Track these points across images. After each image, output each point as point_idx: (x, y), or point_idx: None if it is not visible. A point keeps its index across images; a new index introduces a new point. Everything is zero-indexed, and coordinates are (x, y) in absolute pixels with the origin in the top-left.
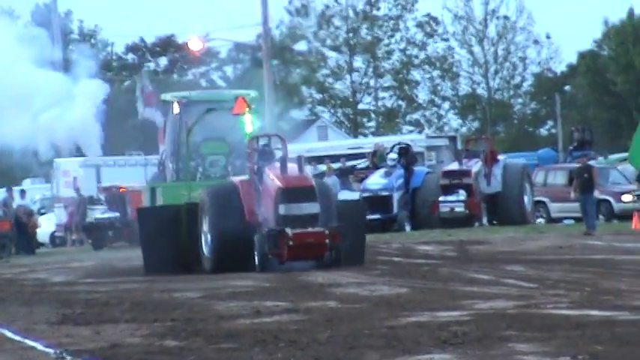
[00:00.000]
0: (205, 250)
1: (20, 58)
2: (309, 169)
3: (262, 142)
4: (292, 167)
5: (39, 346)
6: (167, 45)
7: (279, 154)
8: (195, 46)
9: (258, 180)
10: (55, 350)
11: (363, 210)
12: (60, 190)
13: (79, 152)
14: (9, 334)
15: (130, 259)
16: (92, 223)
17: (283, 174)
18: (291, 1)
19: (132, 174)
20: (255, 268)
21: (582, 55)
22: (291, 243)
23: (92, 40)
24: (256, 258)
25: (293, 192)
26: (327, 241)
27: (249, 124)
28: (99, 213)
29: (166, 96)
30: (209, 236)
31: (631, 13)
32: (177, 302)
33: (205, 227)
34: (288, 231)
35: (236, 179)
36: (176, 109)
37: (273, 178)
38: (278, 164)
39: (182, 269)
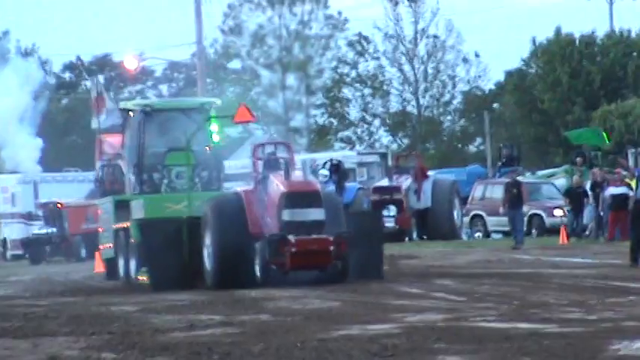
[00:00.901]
0: (207, 264)
1: None
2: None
3: (268, 150)
4: (298, 173)
5: None
6: (103, 64)
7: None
8: (131, 64)
9: (263, 189)
10: None
11: (378, 220)
12: None
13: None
14: None
15: (67, 274)
16: (30, 238)
17: (288, 179)
18: (225, 21)
19: (70, 190)
20: (256, 281)
21: (510, 74)
22: (293, 250)
23: (30, 59)
24: (257, 268)
25: (298, 197)
26: (331, 248)
27: (217, 133)
28: (36, 228)
29: (126, 104)
30: (211, 250)
31: (558, 31)
32: (115, 315)
33: (208, 241)
34: (291, 237)
35: (240, 189)
36: (137, 117)
37: (277, 184)
38: (281, 173)
39: (186, 284)
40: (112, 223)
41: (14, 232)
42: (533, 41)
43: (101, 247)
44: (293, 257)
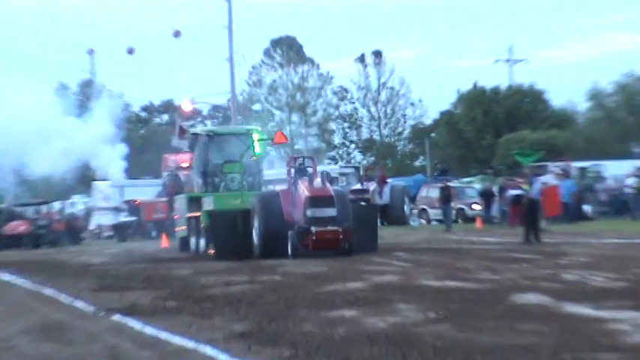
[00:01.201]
0: (255, 241)
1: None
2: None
3: (299, 161)
4: (317, 181)
5: (84, 306)
6: (167, 106)
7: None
8: (186, 107)
9: (295, 190)
10: (95, 307)
11: (375, 213)
12: (97, 203)
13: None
14: (63, 299)
15: (144, 249)
16: (117, 224)
17: (310, 186)
18: (250, 76)
19: (144, 191)
20: (288, 256)
21: (443, 113)
22: (314, 238)
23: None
24: (289, 247)
25: (317, 200)
26: (340, 237)
27: (259, 148)
28: (122, 217)
29: (196, 130)
30: (258, 232)
31: (475, 85)
32: (175, 276)
33: (255, 225)
34: (313, 229)
35: (278, 188)
36: (203, 139)
37: (303, 189)
38: (307, 179)
39: (240, 256)
40: (186, 212)
41: (107, 220)
42: (458, 91)
43: (176, 229)
44: (314, 242)
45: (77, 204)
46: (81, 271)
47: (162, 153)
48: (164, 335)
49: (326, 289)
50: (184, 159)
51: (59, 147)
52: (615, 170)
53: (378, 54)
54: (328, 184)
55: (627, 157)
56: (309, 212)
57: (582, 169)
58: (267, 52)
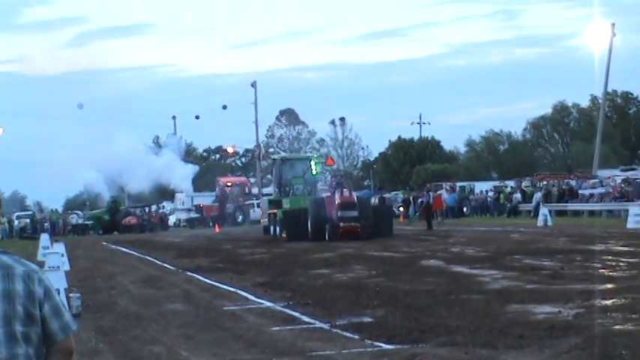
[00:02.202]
0: (309, 229)
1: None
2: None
3: (338, 177)
4: (346, 191)
5: (169, 266)
6: (219, 149)
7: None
8: (230, 150)
9: (333, 196)
10: (175, 267)
11: (390, 210)
12: (177, 206)
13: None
14: (156, 262)
15: (205, 234)
16: (188, 219)
17: (341, 195)
18: (267, 132)
19: (206, 199)
20: (325, 239)
21: (380, 153)
22: (342, 230)
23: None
24: (326, 235)
25: (345, 205)
26: (359, 229)
27: (315, 169)
28: (192, 214)
29: (274, 156)
30: (310, 224)
31: (399, 137)
32: (223, 249)
33: (309, 219)
34: (341, 224)
35: (323, 195)
36: (279, 162)
37: (337, 197)
38: (341, 190)
39: (302, 239)
40: (267, 210)
41: (183, 216)
42: (390, 141)
43: (261, 220)
44: (342, 233)
45: (166, 206)
46: (167, 246)
47: (215, 176)
48: (216, 284)
49: (310, 257)
50: (229, 180)
51: (143, 172)
52: (481, 187)
53: (342, 119)
54: (354, 194)
55: (488, 179)
56: (339, 213)
57: (462, 187)
58: (277, 118)
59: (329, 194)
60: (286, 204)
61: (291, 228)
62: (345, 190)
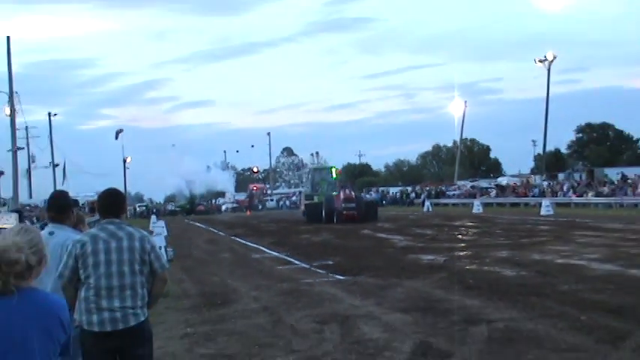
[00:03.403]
0: (323, 215)
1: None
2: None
3: (342, 183)
4: (348, 191)
5: (222, 233)
6: (249, 169)
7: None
8: (255, 169)
9: (340, 195)
10: (225, 233)
11: (376, 204)
12: (227, 200)
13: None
14: (214, 230)
15: (241, 215)
16: (233, 207)
17: (344, 193)
18: (278, 159)
19: (241, 196)
20: (334, 222)
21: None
22: (345, 215)
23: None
24: (335, 219)
25: (346, 199)
26: (356, 215)
27: (335, 174)
28: (234, 205)
29: (310, 166)
30: (324, 210)
31: (348, 162)
32: (251, 224)
33: (324, 209)
34: (344, 212)
35: (334, 194)
36: (311, 170)
37: (342, 195)
38: (344, 191)
39: (318, 221)
40: (304, 201)
41: (229, 205)
42: (343, 165)
43: (301, 208)
44: (345, 217)
45: (220, 200)
46: (220, 222)
47: (247, 183)
48: (247, 243)
49: (300, 228)
50: (255, 185)
51: (205, 181)
52: (393, 190)
53: (317, 152)
54: (353, 193)
55: (397, 186)
56: (343, 205)
57: (382, 190)
58: (281, 152)
59: (337, 193)
60: (314, 198)
61: (311, 214)
62: (347, 190)
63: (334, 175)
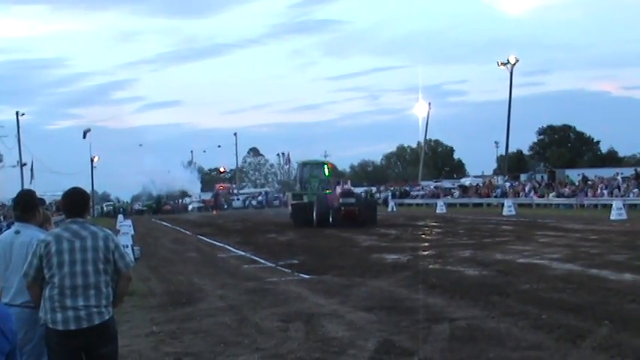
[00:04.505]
0: (314, 217)
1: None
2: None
3: (338, 179)
4: (345, 186)
5: (188, 232)
6: (217, 169)
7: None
8: (222, 169)
9: (334, 192)
10: (190, 233)
11: (375, 203)
12: (193, 199)
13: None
14: (181, 229)
15: (207, 215)
16: (198, 206)
17: (342, 187)
18: (243, 159)
19: (207, 196)
20: (330, 224)
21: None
22: (343, 212)
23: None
24: (330, 219)
25: (345, 193)
26: (357, 212)
27: (328, 172)
28: (200, 204)
29: (300, 161)
30: (315, 212)
31: None
32: (217, 223)
33: (315, 208)
34: (343, 208)
35: (327, 192)
36: (300, 165)
37: (339, 190)
38: (341, 185)
39: (307, 225)
40: (291, 201)
41: (195, 205)
42: None
43: (289, 208)
44: (343, 215)
45: (186, 200)
46: (187, 222)
47: (213, 183)
48: (213, 242)
49: (265, 228)
50: (221, 185)
51: (172, 181)
52: (359, 190)
53: (284, 153)
54: (352, 188)
55: (363, 186)
56: (341, 200)
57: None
58: (247, 152)
59: (330, 191)
60: (306, 198)
61: (299, 217)
62: (344, 184)
63: (327, 172)
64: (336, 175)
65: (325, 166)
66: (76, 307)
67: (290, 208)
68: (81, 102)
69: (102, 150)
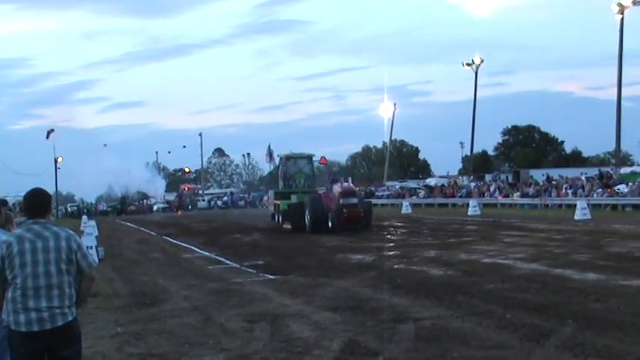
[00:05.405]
0: (307, 221)
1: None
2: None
3: (332, 175)
4: (346, 183)
5: (153, 233)
6: (182, 169)
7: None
8: (187, 170)
9: (330, 191)
10: (156, 233)
11: (370, 202)
12: (157, 200)
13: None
14: (145, 230)
15: (172, 216)
16: (163, 207)
17: (341, 185)
18: (208, 160)
19: (171, 196)
20: (329, 230)
21: (269, 172)
22: (345, 215)
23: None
24: (329, 223)
25: (346, 193)
26: (362, 214)
27: (313, 167)
28: (164, 205)
29: (281, 154)
30: (308, 216)
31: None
32: (182, 224)
33: (307, 212)
34: (345, 211)
35: (320, 191)
36: (284, 159)
37: (337, 189)
38: (339, 183)
39: (301, 230)
40: (273, 200)
41: (160, 206)
42: (272, 166)
43: (270, 208)
44: (345, 219)
45: (151, 201)
46: (152, 222)
47: (178, 184)
48: (178, 242)
49: (231, 228)
50: (187, 186)
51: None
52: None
53: (249, 154)
54: (353, 186)
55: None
56: (341, 201)
57: None
58: (213, 152)
59: (325, 190)
60: (294, 198)
61: (292, 219)
62: (344, 181)
63: (314, 167)
64: (332, 171)
65: (312, 160)
66: (38, 309)
67: (272, 208)
68: (44, 102)
69: (66, 150)
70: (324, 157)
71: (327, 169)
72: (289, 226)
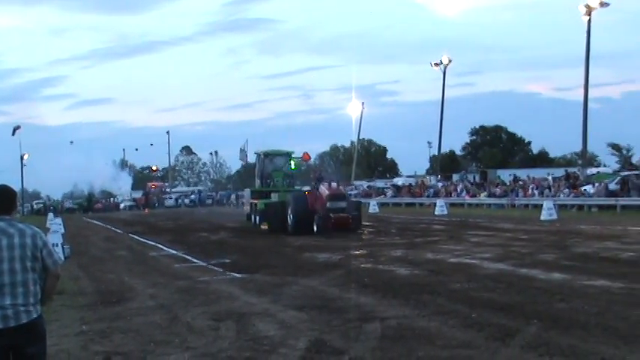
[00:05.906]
0: (290, 222)
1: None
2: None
3: (318, 173)
4: (334, 185)
5: (120, 231)
6: (149, 167)
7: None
8: (154, 168)
9: (316, 190)
10: (122, 231)
11: (360, 203)
12: (124, 198)
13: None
14: (112, 228)
15: (138, 214)
16: (129, 205)
17: (329, 187)
18: (176, 158)
19: (138, 194)
20: (314, 233)
21: (236, 170)
22: (333, 221)
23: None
24: (315, 226)
25: (334, 196)
26: (350, 220)
27: (293, 165)
28: (130, 203)
29: (259, 151)
30: (291, 216)
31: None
32: (149, 222)
33: (290, 212)
34: (332, 215)
35: (304, 189)
36: (261, 156)
37: (324, 190)
38: (327, 184)
39: (282, 231)
40: (249, 199)
41: (127, 203)
42: (242, 164)
43: (245, 208)
44: (333, 224)
45: (118, 199)
46: (118, 220)
47: (145, 182)
48: (145, 240)
49: (197, 227)
50: (153, 184)
51: (102, 180)
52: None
53: (216, 152)
54: (341, 187)
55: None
56: (328, 204)
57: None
58: (180, 150)
59: (309, 189)
60: (275, 197)
61: (271, 220)
62: (332, 182)
63: (293, 165)
64: (319, 169)
65: (291, 158)
66: (2, 306)
67: (248, 208)
68: (10, 99)
69: (32, 147)
70: (307, 153)
71: (317, 167)
72: (266, 227)
